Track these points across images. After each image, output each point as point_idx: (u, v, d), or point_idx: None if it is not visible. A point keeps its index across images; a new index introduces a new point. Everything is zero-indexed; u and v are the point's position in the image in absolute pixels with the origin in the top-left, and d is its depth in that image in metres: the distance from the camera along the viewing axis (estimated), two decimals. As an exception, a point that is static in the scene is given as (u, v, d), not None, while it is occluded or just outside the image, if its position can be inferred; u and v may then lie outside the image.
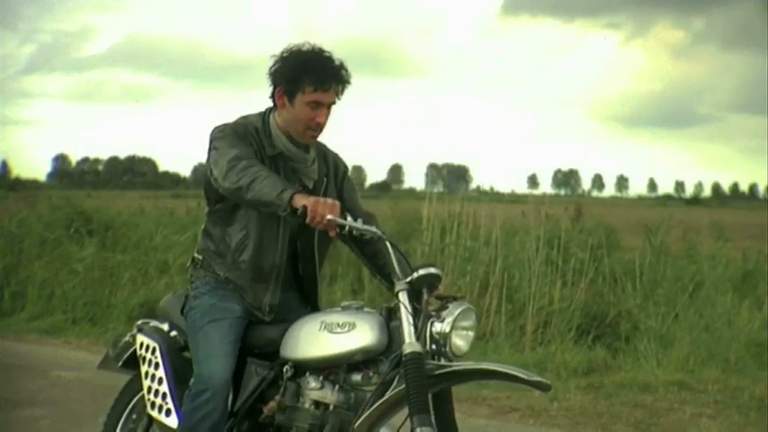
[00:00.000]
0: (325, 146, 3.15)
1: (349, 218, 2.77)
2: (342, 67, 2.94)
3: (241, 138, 2.91)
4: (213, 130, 2.96)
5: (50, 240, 9.60)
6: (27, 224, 10.10)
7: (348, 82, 2.96)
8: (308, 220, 2.64)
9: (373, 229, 2.80)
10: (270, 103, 3.04)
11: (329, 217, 2.64)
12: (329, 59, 2.93)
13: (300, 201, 2.66)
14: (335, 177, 3.13)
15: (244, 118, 3.04)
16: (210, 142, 2.93)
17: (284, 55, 2.94)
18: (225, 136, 2.91)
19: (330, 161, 3.13)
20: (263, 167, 2.79)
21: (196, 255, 3.13)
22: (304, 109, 2.92)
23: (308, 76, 2.89)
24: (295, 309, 3.08)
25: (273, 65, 2.96)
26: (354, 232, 2.77)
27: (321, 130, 2.99)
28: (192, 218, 10.86)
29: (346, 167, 3.19)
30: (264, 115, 3.04)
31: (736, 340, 6.52)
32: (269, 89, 3.00)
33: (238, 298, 3.00)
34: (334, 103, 2.95)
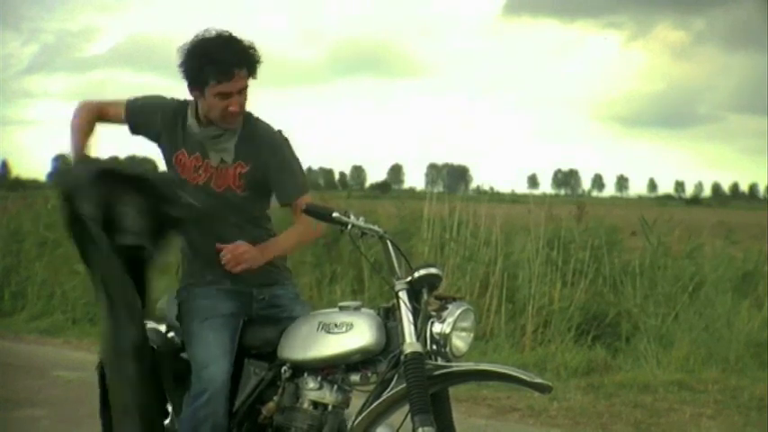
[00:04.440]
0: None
1: (352, 216, 2.77)
2: (245, 48, 2.86)
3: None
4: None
5: (50, 240, 9.57)
6: (27, 224, 10.10)
7: (256, 62, 2.87)
8: None
9: (375, 227, 2.80)
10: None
11: None
12: (228, 46, 2.84)
13: None
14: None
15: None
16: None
17: (186, 49, 2.88)
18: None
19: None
20: None
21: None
22: (214, 101, 2.85)
23: (209, 69, 2.80)
24: (288, 305, 3.08)
25: (180, 61, 2.89)
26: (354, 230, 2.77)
27: (238, 115, 2.92)
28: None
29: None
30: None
31: (736, 340, 6.51)
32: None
33: (227, 295, 2.98)
34: (245, 87, 2.88)
